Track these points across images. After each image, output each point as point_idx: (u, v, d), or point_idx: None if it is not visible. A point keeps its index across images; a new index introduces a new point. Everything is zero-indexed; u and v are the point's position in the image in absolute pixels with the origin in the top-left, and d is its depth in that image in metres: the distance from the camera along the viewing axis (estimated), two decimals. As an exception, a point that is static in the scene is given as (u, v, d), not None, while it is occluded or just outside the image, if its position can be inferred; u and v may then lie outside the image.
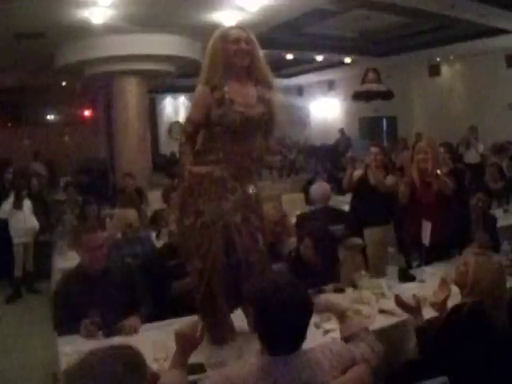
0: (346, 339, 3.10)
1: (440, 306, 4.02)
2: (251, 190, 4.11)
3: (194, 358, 3.54)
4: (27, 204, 9.28)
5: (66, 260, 7.15)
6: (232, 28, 4.12)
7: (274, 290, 2.69)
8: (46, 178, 14.99)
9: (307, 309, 2.76)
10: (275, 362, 2.68)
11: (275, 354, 2.69)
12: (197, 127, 4.02)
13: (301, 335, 2.73)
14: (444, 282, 4.23)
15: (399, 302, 4.13)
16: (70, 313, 4.44)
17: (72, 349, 3.96)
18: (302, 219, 7.23)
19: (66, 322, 4.43)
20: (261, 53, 4.13)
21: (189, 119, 4.05)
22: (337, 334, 4.15)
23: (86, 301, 4.40)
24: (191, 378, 3.36)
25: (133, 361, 2.24)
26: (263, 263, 4.16)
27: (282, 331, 2.68)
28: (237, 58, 3.98)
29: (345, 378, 2.85)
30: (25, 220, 9.18)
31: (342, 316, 3.34)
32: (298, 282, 2.86)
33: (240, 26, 4.16)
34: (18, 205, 9.12)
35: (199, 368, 3.52)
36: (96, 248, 4.67)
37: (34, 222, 9.35)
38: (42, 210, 9.97)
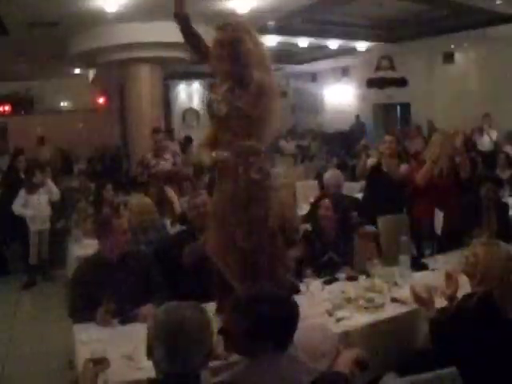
0: None
1: (450, 297, 4.04)
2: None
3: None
4: (43, 192, 9.33)
5: (82, 248, 7.21)
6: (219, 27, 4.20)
7: (269, 300, 2.84)
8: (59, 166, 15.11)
9: (297, 313, 2.89)
10: (267, 362, 2.76)
11: (267, 354, 2.77)
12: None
13: (292, 336, 2.84)
14: (450, 276, 4.23)
15: (414, 293, 4.15)
16: (87, 300, 4.50)
17: (88, 336, 4.03)
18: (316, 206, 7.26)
19: (82, 310, 4.48)
20: (251, 43, 4.09)
21: None
22: (349, 322, 4.22)
23: (102, 288, 4.44)
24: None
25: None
26: None
27: (279, 337, 2.79)
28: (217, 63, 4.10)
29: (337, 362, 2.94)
30: (40, 208, 9.25)
31: None
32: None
33: (228, 23, 4.22)
34: (30, 190, 9.19)
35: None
36: (122, 232, 4.75)
37: (49, 210, 9.43)
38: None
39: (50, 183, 9.53)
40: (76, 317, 4.54)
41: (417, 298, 4.11)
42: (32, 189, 9.19)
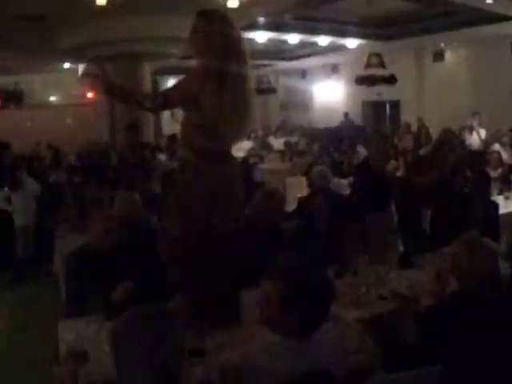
0: None
1: (438, 295, 4.03)
2: None
3: (194, 342, 3.58)
4: (30, 187, 9.28)
5: (69, 243, 7.16)
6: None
7: (308, 271, 2.83)
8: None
9: (334, 290, 2.91)
10: (301, 341, 2.76)
11: (301, 335, 2.76)
12: None
13: (326, 316, 2.83)
14: (439, 274, 4.22)
15: (394, 294, 4.16)
16: (79, 294, 4.51)
17: (73, 333, 4.00)
18: (303, 202, 7.26)
19: (73, 303, 4.52)
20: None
21: None
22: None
23: (90, 281, 4.43)
24: (192, 361, 3.39)
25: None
26: None
27: (313, 312, 2.78)
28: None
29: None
30: (27, 203, 9.20)
31: None
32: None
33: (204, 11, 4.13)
34: (14, 186, 9.14)
35: (199, 352, 3.54)
36: (103, 219, 4.79)
37: (34, 205, 9.37)
38: (45, 192, 9.98)
39: (26, 178, 9.44)
40: (66, 310, 4.61)
41: (398, 297, 4.12)
42: (16, 184, 9.13)
